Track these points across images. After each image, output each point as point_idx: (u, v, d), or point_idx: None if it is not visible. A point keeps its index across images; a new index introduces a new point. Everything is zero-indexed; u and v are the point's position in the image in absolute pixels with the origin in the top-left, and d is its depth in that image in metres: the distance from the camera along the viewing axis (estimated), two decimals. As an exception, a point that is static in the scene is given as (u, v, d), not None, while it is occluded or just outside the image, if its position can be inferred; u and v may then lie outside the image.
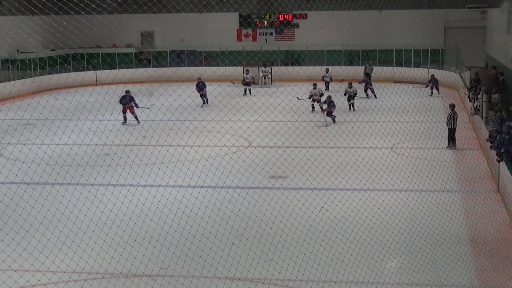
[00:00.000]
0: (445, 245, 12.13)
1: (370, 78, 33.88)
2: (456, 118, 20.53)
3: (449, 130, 20.49)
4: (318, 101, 26.78)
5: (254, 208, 13.64)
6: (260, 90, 34.16)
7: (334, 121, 24.67)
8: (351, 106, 27.73)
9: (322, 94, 27.56)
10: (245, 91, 33.65)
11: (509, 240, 12.64)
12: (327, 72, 35.21)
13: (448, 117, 20.57)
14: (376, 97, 31.21)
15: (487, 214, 14.01)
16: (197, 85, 30.14)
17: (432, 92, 32.14)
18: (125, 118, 25.68)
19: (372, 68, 36.06)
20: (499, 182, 15.59)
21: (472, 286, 10.54)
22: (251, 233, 12.70)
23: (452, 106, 20.78)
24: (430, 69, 36.56)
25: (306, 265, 11.04)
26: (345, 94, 27.96)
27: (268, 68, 37.87)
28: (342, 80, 32.19)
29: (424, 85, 32.70)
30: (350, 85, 28.12)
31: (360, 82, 31.99)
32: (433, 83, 32.25)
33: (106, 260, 11.14)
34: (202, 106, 29.28)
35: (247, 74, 34.53)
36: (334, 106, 25.06)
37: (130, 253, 11.35)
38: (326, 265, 11.08)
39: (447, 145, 20.46)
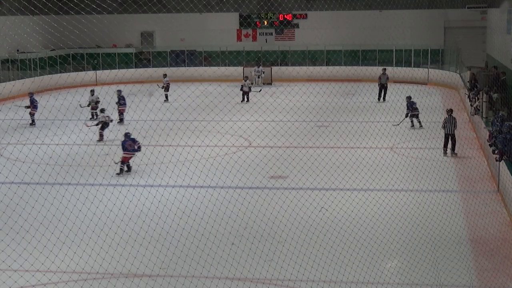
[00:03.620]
0: (445, 245, 12.13)
1: (385, 89, 30.77)
2: (455, 122, 19.43)
3: (446, 135, 19.45)
4: (103, 125, 22.52)
5: (254, 208, 13.63)
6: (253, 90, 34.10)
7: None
8: (100, 135, 22.49)
9: (111, 120, 23.07)
10: (166, 97, 31.34)
11: (509, 240, 12.64)
12: (245, 81, 32.11)
13: (444, 121, 19.63)
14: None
15: (487, 214, 14.01)
16: (30, 101, 25.58)
17: (412, 123, 23.86)
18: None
19: (387, 78, 31.60)
20: (499, 182, 15.59)
21: (472, 286, 10.54)
22: (251, 233, 12.70)
23: (450, 111, 19.71)
24: (430, 69, 36.61)
25: (306, 265, 11.05)
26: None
27: (261, 68, 37.82)
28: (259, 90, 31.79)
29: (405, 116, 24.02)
30: (102, 110, 23.10)
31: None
32: (411, 109, 23.88)
33: (106, 260, 11.14)
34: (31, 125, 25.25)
35: (164, 78, 32.09)
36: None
37: (130, 253, 11.35)
38: (326, 265, 11.08)
39: (443, 152, 19.36)
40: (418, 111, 23.76)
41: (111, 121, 22.98)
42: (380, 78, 31.54)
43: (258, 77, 37.50)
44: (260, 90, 31.82)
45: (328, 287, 10.52)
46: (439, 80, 35.08)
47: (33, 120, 25.34)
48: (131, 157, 17.98)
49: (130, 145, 17.92)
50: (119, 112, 25.59)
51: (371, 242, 12.18)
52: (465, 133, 22.20)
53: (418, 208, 14.02)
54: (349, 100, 28.48)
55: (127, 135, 18.12)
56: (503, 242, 12.52)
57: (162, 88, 31.62)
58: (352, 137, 20.09)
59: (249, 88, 31.47)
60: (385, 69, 32.32)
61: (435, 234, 12.60)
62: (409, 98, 24.06)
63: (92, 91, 26.36)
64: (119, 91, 25.92)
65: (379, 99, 31.05)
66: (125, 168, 17.84)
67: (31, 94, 25.83)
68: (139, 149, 18.01)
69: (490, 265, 11.39)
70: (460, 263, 11.17)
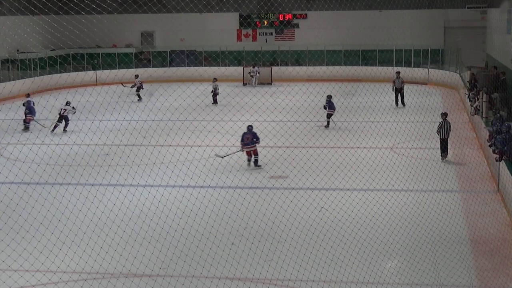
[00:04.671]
0: (445, 245, 12.13)
1: (402, 93, 29.10)
2: (449, 127, 18.95)
3: (441, 140, 19.02)
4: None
5: (254, 208, 13.64)
6: (252, 90, 34.10)
7: None
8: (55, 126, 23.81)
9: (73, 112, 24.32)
10: (139, 97, 31.82)
11: (509, 240, 12.64)
12: (214, 82, 31.13)
13: (438, 125, 19.19)
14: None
15: (487, 214, 14.02)
16: None
17: (328, 123, 24.33)
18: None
19: (402, 81, 29.78)
20: (499, 182, 15.59)
21: (472, 286, 10.54)
22: (251, 233, 12.70)
23: (444, 115, 19.25)
24: (430, 69, 36.61)
25: (306, 265, 11.05)
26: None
27: (257, 68, 37.79)
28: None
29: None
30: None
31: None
32: (328, 105, 24.54)
33: (106, 260, 11.14)
34: None
35: (136, 78, 32.17)
36: None
37: (130, 253, 11.35)
38: (326, 265, 11.08)
39: (441, 157, 18.97)
40: (333, 112, 24.22)
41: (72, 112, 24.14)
42: (394, 82, 29.74)
43: (253, 77, 37.51)
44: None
45: (328, 287, 10.52)
46: (439, 80, 35.10)
47: None
48: (250, 150, 18.34)
49: (247, 138, 18.38)
50: (25, 120, 24.60)
51: (371, 242, 12.18)
52: (465, 133, 22.21)
53: (418, 208, 14.02)
54: (349, 100, 28.46)
55: (249, 127, 18.62)
56: (503, 242, 12.52)
57: (133, 88, 31.93)
58: (352, 137, 20.09)
59: (215, 89, 31.06)
60: (399, 72, 30.41)
61: (435, 234, 12.60)
62: (329, 97, 24.33)
63: (28, 95, 25.94)
64: (29, 102, 24.93)
65: (396, 104, 29.35)
66: (252, 159, 18.33)
67: None
68: (255, 142, 18.39)
69: (490, 265, 11.39)
70: (460, 263, 11.17)
